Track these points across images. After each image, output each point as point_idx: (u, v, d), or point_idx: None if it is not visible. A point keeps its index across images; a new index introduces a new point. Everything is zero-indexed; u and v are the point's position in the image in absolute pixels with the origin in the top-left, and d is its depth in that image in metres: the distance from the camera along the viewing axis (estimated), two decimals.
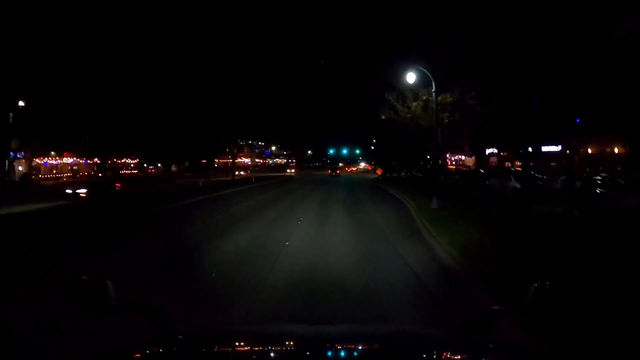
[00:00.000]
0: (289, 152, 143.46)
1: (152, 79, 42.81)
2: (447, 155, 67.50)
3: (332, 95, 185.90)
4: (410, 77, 17.74)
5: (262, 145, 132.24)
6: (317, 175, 69.27)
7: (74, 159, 66.17)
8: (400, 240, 10.41)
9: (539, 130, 39.39)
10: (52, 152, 61.94)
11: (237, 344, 1.86)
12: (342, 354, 1.70)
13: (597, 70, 16.09)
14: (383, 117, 21.28)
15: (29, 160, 52.80)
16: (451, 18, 17.57)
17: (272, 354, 1.68)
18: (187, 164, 70.34)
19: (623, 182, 14.84)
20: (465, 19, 17.95)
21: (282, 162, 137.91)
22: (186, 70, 48.10)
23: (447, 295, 6.24)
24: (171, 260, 8.51)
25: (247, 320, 5.07)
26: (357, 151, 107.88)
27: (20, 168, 51.97)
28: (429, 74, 17.74)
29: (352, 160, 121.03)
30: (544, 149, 43.87)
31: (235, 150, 59.72)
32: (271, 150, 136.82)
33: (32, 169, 58.61)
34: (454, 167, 61.95)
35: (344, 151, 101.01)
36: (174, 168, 79.88)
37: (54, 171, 66.34)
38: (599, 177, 16.16)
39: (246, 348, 1.80)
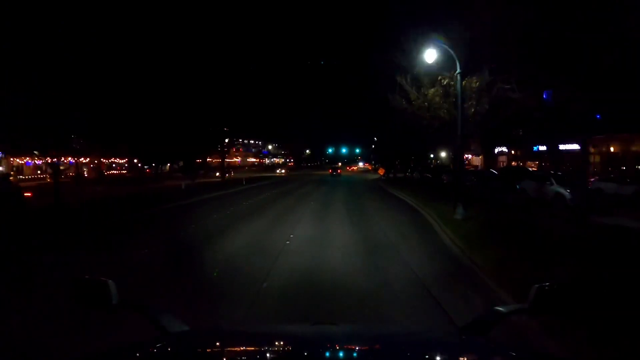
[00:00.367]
0: (287, 151, 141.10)
1: (141, 74, 40.68)
2: (452, 154, 64.19)
3: (331, 93, 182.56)
4: (430, 55, 14.18)
5: (259, 144, 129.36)
6: (316, 175, 65.50)
7: (57, 158, 62.95)
8: (433, 278, 6.82)
9: (560, 125, 36.21)
10: (35, 152, 58.88)
11: (238, 344, 1.84)
12: (344, 354, 1.67)
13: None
14: (393, 106, 17.54)
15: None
16: None
17: (273, 354, 1.67)
18: (181, 163, 67.80)
19: None
20: None
21: (280, 162, 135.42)
22: (177, 67, 45.69)
23: None
24: None
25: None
26: (357, 150, 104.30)
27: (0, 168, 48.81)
28: (451, 51, 14.19)
29: (350, 160, 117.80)
30: (561, 147, 40.57)
31: (226, 149, 56.34)
32: (268, 150, 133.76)
33: (10, 169, 55.35)
34: (468, 167, 58.57)
35: (343, 150, 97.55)
36: (168, 168, 77.62)
37: (39, 171, 63.09)
38: None
39: (247, 348, 1.78)
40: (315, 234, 11.27)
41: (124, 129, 49.03)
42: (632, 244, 9.33)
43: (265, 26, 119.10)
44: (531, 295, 1.72)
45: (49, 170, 64.23)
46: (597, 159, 37.57)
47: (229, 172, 73.20)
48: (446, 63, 15.29)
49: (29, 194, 19.82)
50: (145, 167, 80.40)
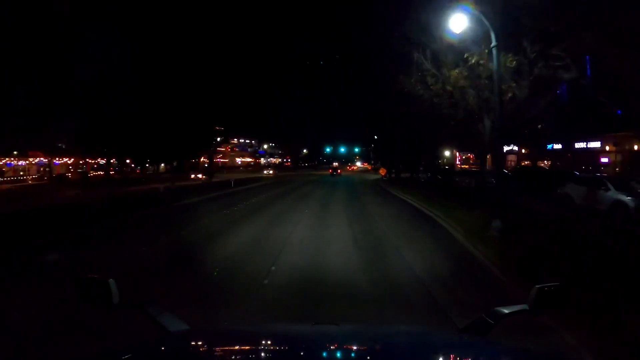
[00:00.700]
0: (285, 151, 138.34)
1: (131, 71, 38.74)
2: (457, 153, 60.90)
3: (329, 89, 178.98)
4: (457, 23, 10.89)
5: (255, 144, 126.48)
6: (313, 176, 62.04)
7: (41, 158, 59.76)
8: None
9: (581, 122, 33.12)
10: (15, 152, 55.71)
11: (239, 343, 1.82)
12: (344, 355, 1.67)
13: None
14: (406, 91, 14.23)
15: None
16: None
17: (274, 354, 1.67)
18: (175, 163, 64.78)
19: None
20: None
21: (277, 162, 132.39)
22: (169, 65, 43.64)
23: None
24: None
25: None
26: (356, 149, 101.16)
27: None
28: (483, 19, 10.93)
29: (348, 159, 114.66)
30: (578, 145, 37.43)
31: (217, 149, 53.29)
32: (265, 149, 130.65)
33: None
34: (467, 167, 55.27)
35: (342, 149, 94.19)
36: (163, 168, 74.71)
37: (21, 173, 59.94)
38: None
39: (248, 348, 1.76)
40: (312, 251, 8.70)
41: (111, 128, 46.67)
42: None
43: (259, 21, 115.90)
44: (532, 296, 1.71)
45: (30, 171, 61.25)
46: (618, 157, 34.50)
47: (222, 172, 70.10)
48: (474, 38, 12.05)
49: None
50: (138, 167, 78.18)
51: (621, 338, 4.22)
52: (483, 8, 10.86)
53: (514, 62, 12.10)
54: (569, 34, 10.52)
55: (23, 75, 30.92)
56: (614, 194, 12.92)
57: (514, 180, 22.54)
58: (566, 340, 4.23)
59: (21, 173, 60.67)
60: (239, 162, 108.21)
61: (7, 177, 54.99)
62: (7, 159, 56.63)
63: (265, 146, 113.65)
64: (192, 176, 37.71)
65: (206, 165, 72.39)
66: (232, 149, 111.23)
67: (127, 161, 68.94)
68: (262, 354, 1.68)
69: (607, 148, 34.98)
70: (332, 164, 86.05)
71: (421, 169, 44.19)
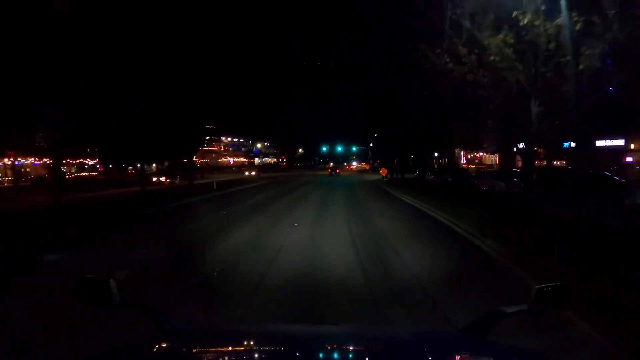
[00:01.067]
0: (280, 150, 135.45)
1: (114, 66, 36.11)
2: (462, 153, 57.55)
3: (326, 88, 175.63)
4: None
5: (249, 144, 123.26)
6: (308, 176, 58.34)
7: (19, 159, 56.13)
8: None
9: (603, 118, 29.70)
10: None
11: (239, 343, 1.82)
12: (344, 355, 1.66)
13: None
14: (430, 65, 10.66)
15: None
16: None
17: (274, 355, 1.67)
18: (166, 164, 61.61)
19: None
20: None
21: (272, 162, 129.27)
22: (155, 60, 40.75)
23: None
24: None
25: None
26: (354, 148, 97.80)
27: None
28: None
29: (345, 159, 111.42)
30: (599, 143, 34.12)
31: (198, 148, 50.18)
32: (259, 149, 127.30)
33: None
34: (473, 166, 51.93)
35: (339, 149, 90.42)
36: (154, 168, 71.36)
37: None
38: None
39: (248, 348, 1.76)
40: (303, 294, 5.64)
41: (93, 126, 43.79)
42: None
43: (254, 16, 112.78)
44: (532, 296, 1.69)
45: (8, 172, 57.60)
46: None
47: (214, 173, 66.54)
48: None
49: None
50: (129, 168, 75.17)
51: None
52: None
53: (580, 23, 8.67)
54: None
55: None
56: None
57: (539, 183, 19.17)
58: None
59: None
60: (232, 162, 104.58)
61: None
62: None
63: (259, 145, 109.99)
64: (154, 179, 31.60)
65: (193, 165, 69.03)
66: (223, 147, 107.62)
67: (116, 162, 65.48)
68: (262, 354, 1.67)
69: (632, 146, 31.70)
70: (330, 164, 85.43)
71: (428, 169, 40.88)
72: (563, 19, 7.50)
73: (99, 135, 45.67)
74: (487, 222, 11.09)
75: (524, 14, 8.94)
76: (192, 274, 7.04)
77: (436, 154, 59.17)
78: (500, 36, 9.37)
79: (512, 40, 9.47)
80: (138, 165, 63.60)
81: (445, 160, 62.20)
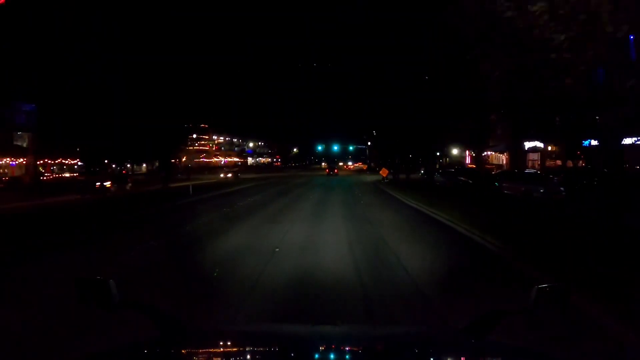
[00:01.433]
0: (274, 150, 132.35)
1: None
2: (468, 151, 53.91)
3: (324, 86, 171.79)
4: None
5: (242, 143, 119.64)
6: (302, 177, 54.49)
7: None
8: None
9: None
10: None
11: (237, 344, 1.81)
12: (344, 355, 1.66)
13: None
14: (485, 10, 6.97)
15: None
16: None
17: (274, 355, 1.66)
18: (157, 163, 58.48)
19: None
20: None
21: (266, 161, 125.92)
22: (141, 56, 38.09)
23: None
24: None
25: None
26: (351, 147, 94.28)
27: None
28: None
29: (340, 159, 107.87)
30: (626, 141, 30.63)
31: (179, 148, 46.92)
32: (252, 148, 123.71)
33: None
34: (474, 166, 48.33)
35: (335, 148, 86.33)
36: (144, 169, 67.85)
37: None
38: None
39: (247, 348, 1.75)
40: None
41: (72, 123, 41.10)
42: None
43: (250, 13, 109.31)
44: (532, 296, 1.67)
45: None
46: None
47: (204, 174, 62.79)
48: None
49: None
50: (120, 168, 71.72)
51: None
52: None
53: None
54: None
55: None
56: None
57: (583, 187, 15.63)
58: None
59: None
60: (223, 162, 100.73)
61: None
62: None
63: (251, 144, 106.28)
64: (98, 184, 26.54)
65: (170, 166, 65.65)
66: (213, 146, 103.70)
67: (106, 162, 61.81)
68: (262, 355, 1.66)
69: None
70: (329, 163, 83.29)
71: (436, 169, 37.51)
72: None
73: (79, 134, 42.65)
74: (533, 240, 7.39)
75: None
76: None
77: (438, 153, 55.70)
78: None
79: None
80: (115, 165, 60.18)
81: (446, 160, 58.73)
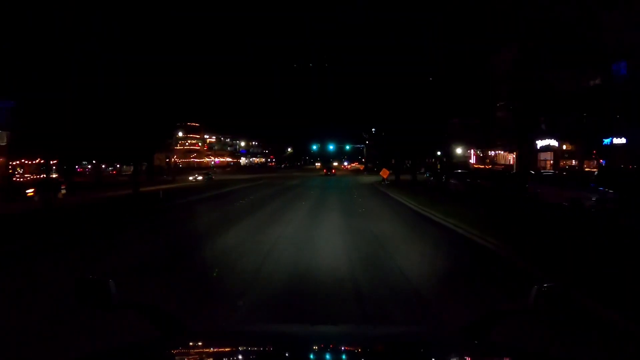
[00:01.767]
0: (269, 149, 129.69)
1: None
2: (472, 152, 50.79)
3: (321, 84, 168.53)
4: None
5: (236, 142, 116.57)
6: (296, 178, 51.19)
7: None
8: None
9: None
10: None
11: (237, 344, 1.78)
12: (344, 355, 1.63)
13: None
14: None
15: None
16: None
17: (273, 355, 1.65)
18: (145, 164, 55.19)
19: None
20: None
21: (260, 161, 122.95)
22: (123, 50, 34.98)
23: None
24: None
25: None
26: (347, 147, 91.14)
27: None
28: None
29: (336, 159, 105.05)
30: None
31: (155, 149, 43.72)
32: (246, 148, 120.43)
33: None
34: (489, 167, 45.29)
35: (330, 147, 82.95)
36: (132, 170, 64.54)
37: None
38: None
39: (247, 349, 1.74)
40: None
41: (51, 121, 37.73)
42: None
43: (245, 11, 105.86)
44: (532, 296, 1.64)
45: None
46: None
47: (194, 174, 59.50)
48: None
49: None
50: (110, 168, 68.87)
51: None
52: None
53: None
54: None
55: None
56: None
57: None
58: None
59: None
60: (214, 162, 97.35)
61: None
62: None
63: (243, 143, 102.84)
64: (31, 191, 22.26)
65: (169, 165, 62.30)
66: (203, 145, 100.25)
67: (93, 162, 58.35)
68: (261, 355, 1.66)
69: None
70: (324, 163, 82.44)
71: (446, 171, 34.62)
72: None
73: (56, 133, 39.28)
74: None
75: None
76: None
77: (438, 152, 52.67)
78: None
79: None
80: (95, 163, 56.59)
81: (450, 160, 55.75)
